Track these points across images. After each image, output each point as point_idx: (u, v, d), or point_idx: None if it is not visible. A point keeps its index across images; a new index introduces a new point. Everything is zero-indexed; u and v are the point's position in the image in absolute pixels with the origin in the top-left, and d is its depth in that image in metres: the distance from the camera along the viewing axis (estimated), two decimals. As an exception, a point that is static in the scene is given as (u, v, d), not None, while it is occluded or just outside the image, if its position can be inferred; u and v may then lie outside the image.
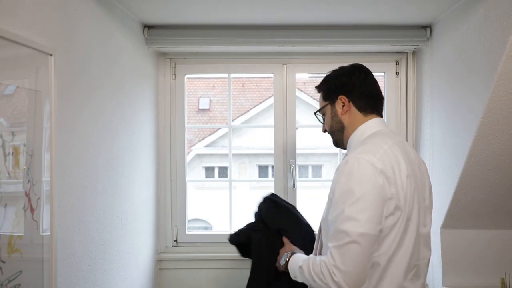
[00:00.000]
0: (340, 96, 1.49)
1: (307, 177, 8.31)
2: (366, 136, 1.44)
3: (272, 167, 2.83)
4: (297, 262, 1.47)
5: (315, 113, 1.61)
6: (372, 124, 1.46)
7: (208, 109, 9.22)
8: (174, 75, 2.75)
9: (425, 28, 2.43)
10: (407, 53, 2.68)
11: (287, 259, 1.55)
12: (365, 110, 1.48)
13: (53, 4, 1.55)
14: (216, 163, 9.06)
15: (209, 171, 9.13)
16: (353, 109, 1.48)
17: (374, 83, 1.52)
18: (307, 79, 8.51)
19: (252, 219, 1.97)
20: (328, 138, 1.62)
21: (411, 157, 1.42)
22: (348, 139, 1.50)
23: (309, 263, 1.37)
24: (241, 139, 8.77)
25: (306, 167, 8.53)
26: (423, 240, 1.40)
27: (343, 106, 1.49)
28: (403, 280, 1.32)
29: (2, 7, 1.28)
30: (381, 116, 1.52)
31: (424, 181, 1.44)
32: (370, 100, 1.48)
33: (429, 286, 2.42)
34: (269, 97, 8.34)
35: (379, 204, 1.26)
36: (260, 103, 8.75)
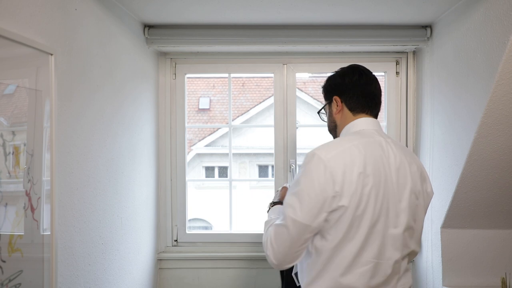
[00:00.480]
0: (334, 97, 1.56)
1: (307, 176, 8.29)
2: (348, 134, 1.51)
3: (272, 166, 2.83)
4: (269, 214, 1.62)
5: (318, 112, 1.69)
6: (357, 123, 1.51)
7: (208, 109, 9.22)
8: (174, 75, 2.75)
9: (425, 28, 2.43)
10: (407, 53, 2.68)
11: (268, 208, 1.70)
12: (355, 109, 1.53)
13: (54, 4, 1.55)
14: (216, 163, 9.07)
15: (209, 170, 9.13)
16: (345, 109, 1.54)
17: (369, 83, 1.54)
18: (307, 79, 8.51)
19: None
20: (327, 137, 1.64)
21: (385, 158, 1.42)
22: None
23: (268, 225, 1.50)
24: (241, 138, 8.77)
25: (306, 166, 8.50)
26: (392, 241, 1.39)
27: (337, 106, 1.56)
28: (347, 272, 1.37)
29: (2, 7, 1.28)
30: (375, 116, 1.54)
31: (404, 183, 1.42)
32: (361, 100, 1.52)
33: (429, 286, 2.42)
34: (269, 96, 8.34)
35: (317, 200, 1.34)
36: (260, 102, 8.76)
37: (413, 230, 1.46)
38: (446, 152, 2.19)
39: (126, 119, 2.21)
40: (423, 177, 1.50)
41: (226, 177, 3.41)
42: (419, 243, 1.52)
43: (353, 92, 1.52)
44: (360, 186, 1.35)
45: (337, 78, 1.57)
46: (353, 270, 1.37)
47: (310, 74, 3.10)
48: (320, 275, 1.40)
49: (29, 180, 1.38)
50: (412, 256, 1.51)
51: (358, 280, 1.37)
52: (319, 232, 1.38)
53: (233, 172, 2.84)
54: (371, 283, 1.38)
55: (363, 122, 1.50)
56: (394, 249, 1.40)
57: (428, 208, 2.41)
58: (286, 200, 1.40)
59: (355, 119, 1.51)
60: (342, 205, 1.34)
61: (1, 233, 1.25)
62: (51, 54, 1.49)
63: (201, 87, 9.36)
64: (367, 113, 1.52)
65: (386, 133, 2.33)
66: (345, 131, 1.52)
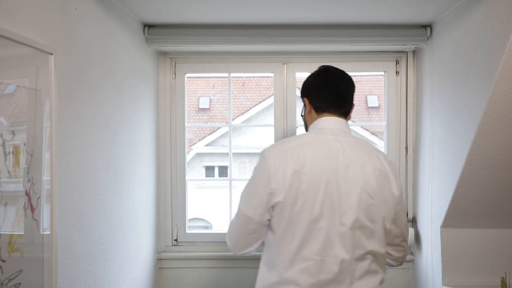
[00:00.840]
0: (304, 98, 1.62)
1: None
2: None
3: (272, 166, 2.82)
4: None
5: (301, 115, 1.73)
6: (318, 122, 1.55)
7: (208, 108, 9.22)
8: (174, 74, 2.75)
9: (425, 28, 2.43)
10: (407, 52, 2.68)
11: None
12: (319, 109, 1.57)
13: (54, 4, 1.55)
14: (216, 162, 9.07)
15: (209, 170, 9.13)
16: (312, 109, 1.59)
17: (336, 83, 1.57)
18: (307, 79, 8.50)
19: None
20: None
21: (333, 156, 1.42)
22: None
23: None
24: (241, 138, 8.77)
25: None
26: (339, 239, 1.39)
27: (306, 107, 1.61)
28: (289, 267, 1.41)
29: (2, 7, 1.28)
30: (341, 114, 1.56)
31: (354, 182, 1.41)
32: (324, 100, 1.56)
33: (429, 286, 2.43)
34: (269, 96, 8.34)
35: (259, 195, 1.44)
36: (260, 102, 8.75)
37: (371, 230, 1.43)
38: (446, 151, 2.19)
39: (126, 118, 2.21)
40: (384, 178, 1.47)
41: (226, 176, 3.41)
42: (382, 244, 1.48)
43: (318, 92, 1.57)
44: (296, 183, 1.40)
45: (306, 81, 1.63)
46: (295, 265, 1.40)
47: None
48: (272, 268, 1.45)
49: (29, 180, 1.38)
50: (380, 258, 1.47)
51: (300, 275, 1.39)
52: (270, 224, 1.46)
53: (233, 171, 2.84)
54: (317, 280, 1.39)
55: (323, 121, 1.54)
56: (342, 247, 1.40)
57: (428, 208, 2.42)
58: (242, 191, 1.53)
59: (318, 118, 1.55)
60: (278, 201, 1.41)
61: (1, 232, 1.25)
62: (51, 54, 1.49)
63: (201, 86, 9.36)
64: (331, 112, 1.55)
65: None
66: (309, 130, 1.58)
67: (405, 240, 1.60)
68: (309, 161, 1.42)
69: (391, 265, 1.63)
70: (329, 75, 1.59)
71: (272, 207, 1.43)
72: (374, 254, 1.45)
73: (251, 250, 1.54)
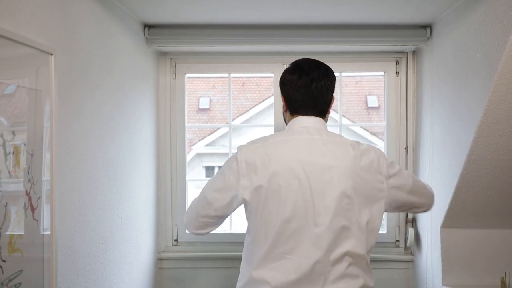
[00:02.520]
0: (281, 95, 1.58)
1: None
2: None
3: (272, 166, 2.83)
4: None
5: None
6: (293, 122, 1.52)
7: (208, 109, 9.23)
8: (174, 75, 2.75)
9: (425, 28, 2.43)
10: (407, 52, 2.68)
11: None
12: (292, 110, 1.54)
13: (54, 4, 1.55)
14: (216, 163, 9.07)
15: (209, 170, 9.13)
16: (288, 109, 1.56)
17: (305, 84, 1.50)
18: (307, 79, 8.50)
19: None
20: None
21: (306, 157, 1.40)
22: None
23: None
24: (241, 138, 8.75)
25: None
26: (313, 239, 1.37)
27: (283, 104, 1.58)
28: (259, 267, 1.41)
29: (2, 7, 1.28)
30: (318, 113, 1.51)
31: (330, 181, 1.38)
32: (296, 102, 1.51)
33: (429, 286, 2.43)
34: (269, 96, 8.34)
35: (225, 186, 1.45)
36: (260, 102, 8.76)
37: (348, 231, 1.39)
38: (446, 151, 2.19)
39: (126, 119, 2.21)
40: (363, 171, 1.41)
41: (226, 177, 3.40)
42: (362, 245, 1.42)
43: (290, 93, 1.52)
44: (266, 183, 1.38)
45: (282, 76, 1.57)
46: (266, 264, 1.40)
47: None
48: (247, 265, 1.46)
49: (29, 180, 1.38)
50: (360, 261, 1.42)
51: (269, 274, 1.39)
52: (247, 223, 1.48)
53: (233, 172, 2.82)
54: (286, 279, 1.37)
55: (298, 120, 1.51)
56: (315, 248, 1.37)
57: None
58: (210, 178, 1.54)
59: (292, 118, 1.53)
60: (246, 199, 1.41)
61: (1, 232, 1.25)
62: (51, 54, 1.49)
63: (201, 87, 9.37)
64: (303, 114, 1.51)
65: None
66: (286, 129, 1.56)
67: (425, 199, 1.60)
68: (281, 161, 1.39)
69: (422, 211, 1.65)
70: (302, 76, 1.50)
71: (237, 202, 1.45)
72: (352, 256, 1.39)
73: (203, 232, 1.55)
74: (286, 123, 1.58)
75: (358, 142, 1.51)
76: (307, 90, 1.49)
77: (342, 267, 1.39)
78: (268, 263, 1.40)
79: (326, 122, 1.56)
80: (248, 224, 1.48)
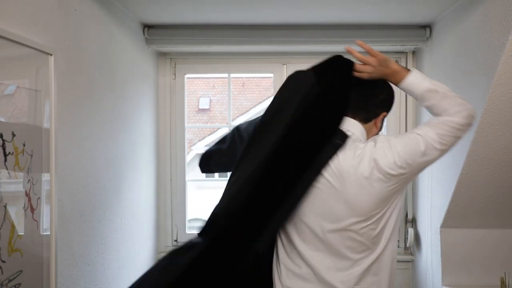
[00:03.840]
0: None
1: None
2: None
3: (272, 166, 2.82)
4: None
5: None
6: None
7: (208, 109, 9.22)
8: (174, 75, 2.75)
9: (425, 28, 2.43)
10: (407, 52, 2.68)
11: None
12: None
13: (54, 4, 1.55)
14: (216, 163, 9.02)
15: (209, 170, 9.10)
16: None
17: (357, 84, 1.47)
18: (307, 79, 8.50)
19: None
20: None
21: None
22: None
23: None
24: (241, 138, 8.74)
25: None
26: (316, 243, 1.43)
27: None
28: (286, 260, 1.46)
29: (2, 7, 1.28)
30: (359, 119, 1.51)
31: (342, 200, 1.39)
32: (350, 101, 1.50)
33: (429, 286, 2.43)
34: (269, 96, 8.31)
35: None
36: (260, 102, 8.74)
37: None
38: (446, 152, 2.19)
39: (126, 119, 2.21)
40: (369, 184, 1.38)
41: (226, 177, 3.41)
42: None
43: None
44: None
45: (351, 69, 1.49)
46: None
47: (310, 74, 3.07)
48: None
49: (28, 180, 1.38)
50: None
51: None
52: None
53: (233, 172, 2.82)
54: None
55: (344, 122, 1.45)
56: (312, 252, 1.48)
57: (428, 208, 2.42)
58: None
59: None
60: None
61: (1, 233, 1.25)
62: (51, 55, 1.49)
63: (201, 87, 9.36)
64: (350, 116, 1.48)
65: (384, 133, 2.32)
66: None
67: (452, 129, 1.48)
68: None
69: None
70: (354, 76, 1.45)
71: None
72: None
73: None
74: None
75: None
76: (357, 91, 1.54)
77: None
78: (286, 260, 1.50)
79: None
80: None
